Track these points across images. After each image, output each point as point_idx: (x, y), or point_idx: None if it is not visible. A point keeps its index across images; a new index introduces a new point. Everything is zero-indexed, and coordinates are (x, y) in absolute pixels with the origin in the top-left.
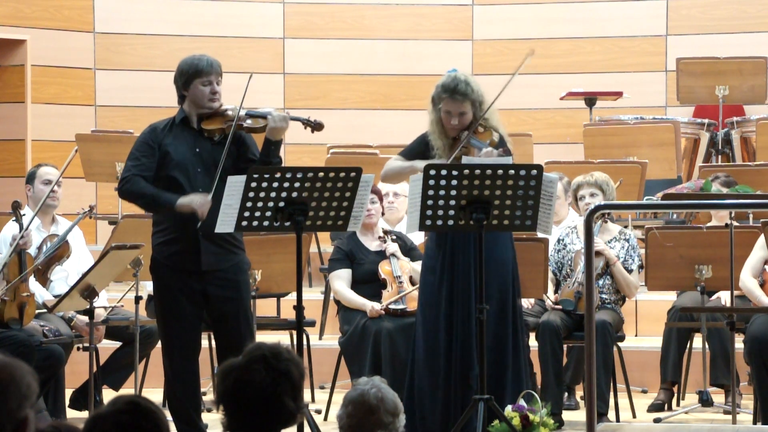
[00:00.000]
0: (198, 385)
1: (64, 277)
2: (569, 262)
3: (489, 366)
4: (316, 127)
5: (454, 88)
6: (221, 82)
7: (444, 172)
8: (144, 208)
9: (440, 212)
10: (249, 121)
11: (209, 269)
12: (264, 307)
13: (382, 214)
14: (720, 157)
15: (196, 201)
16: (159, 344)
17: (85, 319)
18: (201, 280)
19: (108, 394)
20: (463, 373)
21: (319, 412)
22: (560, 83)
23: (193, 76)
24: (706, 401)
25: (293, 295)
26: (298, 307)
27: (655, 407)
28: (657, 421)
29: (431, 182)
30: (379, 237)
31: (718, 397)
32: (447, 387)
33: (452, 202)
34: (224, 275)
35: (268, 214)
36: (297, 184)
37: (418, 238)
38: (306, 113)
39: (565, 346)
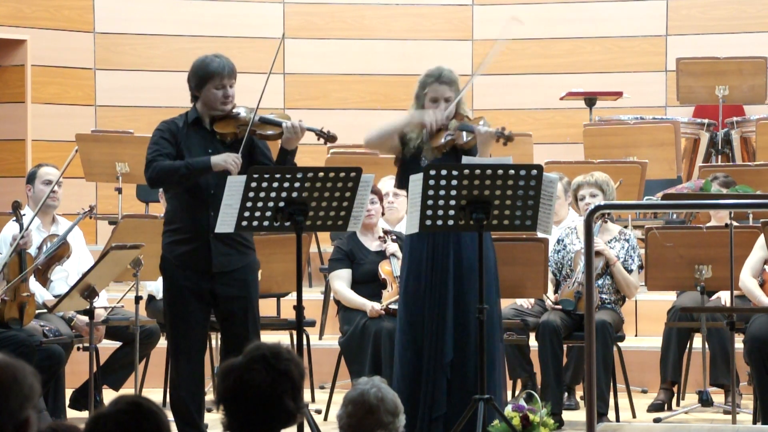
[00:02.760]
0: (202, 386)
1: (64, 277)
2: (569, 263)
3: (461, 365)
4: (330, 138)
5: (441, 74)
6: (235, 84)
7: (444, 172)
8: (179, 183)
9: (440, 212)
10: (269, 132)
11: (219, 271)
12: (264, 307)
13: (382, 214)
14: (720, 157)
15: (229, 160)
16: (159, 344)
17: (85, 319)
18: (210, 280)
19: (108, 394)
20: (435, 371)
21: (319, 412)
22: (560, 83)
23: (205, 79)
24: (706, 401)
25: (293, 295)
26: (298, 307)
27: (655, 407)
28: (657, 421)
29: (431, 182)
30: (379, 237)
31: (718, 397)
32: (425, 383)
33: (452, 202)
34: (234, 275)
35: (268, 214)
36: (297, 184)
37: None
38: (306, 114)
39: (565, 346)
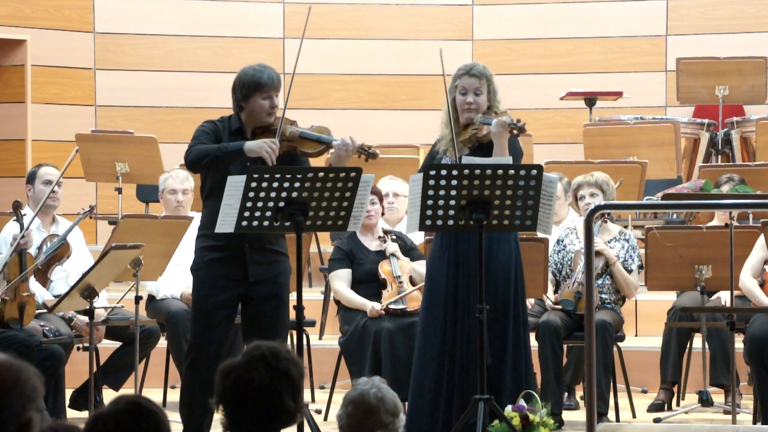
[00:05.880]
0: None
1: (64, 277)
2: (569, 263)
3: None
4: (371, 155)
5: (472, 66)
6: (279, 94)
7: (444, 172)
8: (214, 165)
9: (440, 212)
10: (308, 149)
11: (256, 279)
12: None
13: (382, 214)
14: (720, 157)
15: (265, 147)
16: (159, 344)
17: (85, 319)
18: (243, 284)
19: (108, 394)
20: (464, 372)
21: (319, 412)
22: (560, 83)
23: (253, 90)
24: (706, 401)
25: (293, 295)
26: (298, 307)
27: (655, 407)
28: (657, 421)
29: (431, 182)
30: (379, 237)
31: (718, 397)
32: (450, 386)
33: (452, 202)
34: (268, 278)
35: (268, 214)
36: (297, 184)
37: (418, 238)
38: (306, 114)
39: (565, 346)
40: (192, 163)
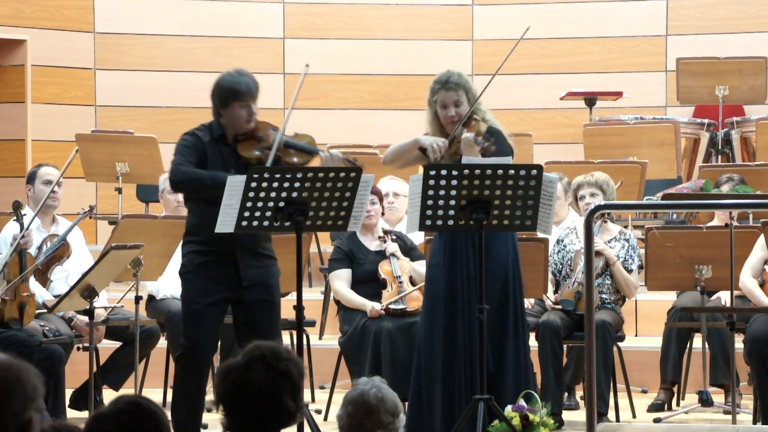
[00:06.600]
0: (202, 399)
1: (64, 277)
2: (569, 263)
3: (489, 365)
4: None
5: (447, 79)
6: (257, 100)
7: (444, 172)
8: (201, 192)
9: (440, 212)
10: (295, 159)
11: (249, 283)
12: None
13: (382, 214)
14: (720, 157)
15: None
16: (159, 344)
17: (85, 319)
18: (236, 289)
19: (108, 394)
20: (464, 373)
21: (319, 412)
22: (560, 83)
23: (231, 98)
24: (706, 401)
25: (293, 295)
26: (298, 307)
27: (655, 407)
28: (657, 421)
29: (431, 182)
30: (379, 237)
31: (718, 397)
32: (450, 386)
33: (452, 202)
34: (260, 281)
35: (268, 214)
36: (297, 184)
37: (418, 238)
38: (306, 114)
39: (565, 346)
40: (178, 183)
